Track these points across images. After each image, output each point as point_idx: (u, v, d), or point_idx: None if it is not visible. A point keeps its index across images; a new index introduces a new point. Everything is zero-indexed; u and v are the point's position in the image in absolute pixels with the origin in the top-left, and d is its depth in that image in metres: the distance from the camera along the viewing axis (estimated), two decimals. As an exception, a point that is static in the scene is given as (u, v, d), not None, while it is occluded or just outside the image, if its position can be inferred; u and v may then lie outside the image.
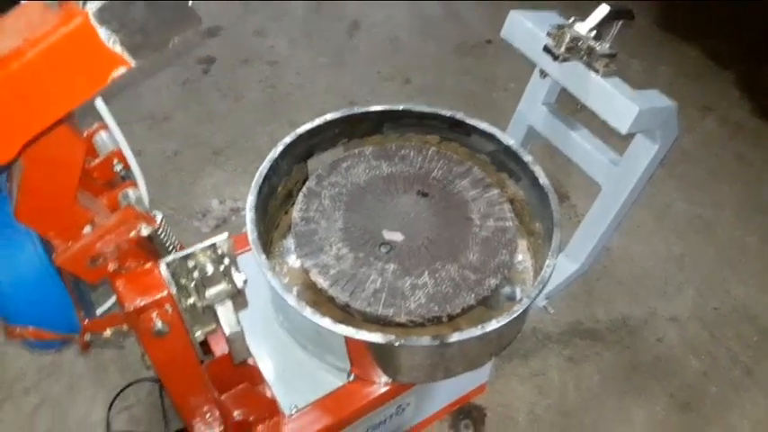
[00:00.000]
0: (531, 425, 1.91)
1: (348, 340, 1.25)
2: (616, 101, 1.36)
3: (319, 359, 1.41)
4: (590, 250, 1.73)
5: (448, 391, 1.79)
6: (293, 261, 1.55)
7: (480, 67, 3.25)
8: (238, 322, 1.00)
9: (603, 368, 2.05)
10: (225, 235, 0.98)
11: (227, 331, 0.99)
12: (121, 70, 0.71)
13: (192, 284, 0.98)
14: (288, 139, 1.56)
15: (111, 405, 1.78)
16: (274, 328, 1.50)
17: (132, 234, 0.89)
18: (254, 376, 1.34)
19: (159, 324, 0.91)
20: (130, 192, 0.97)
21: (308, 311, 1.24)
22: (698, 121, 3.02)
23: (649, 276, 2.35)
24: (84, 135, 1.02)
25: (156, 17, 0.70)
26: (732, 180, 2.75)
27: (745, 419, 1.97)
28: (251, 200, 1.42)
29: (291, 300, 1.25)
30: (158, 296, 0.91)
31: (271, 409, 1.33)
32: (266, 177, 1.48)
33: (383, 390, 1.40)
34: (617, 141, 1.57)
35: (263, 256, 1.32)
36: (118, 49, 0.69)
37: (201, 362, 1.11)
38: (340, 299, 1.35)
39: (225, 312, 0.99)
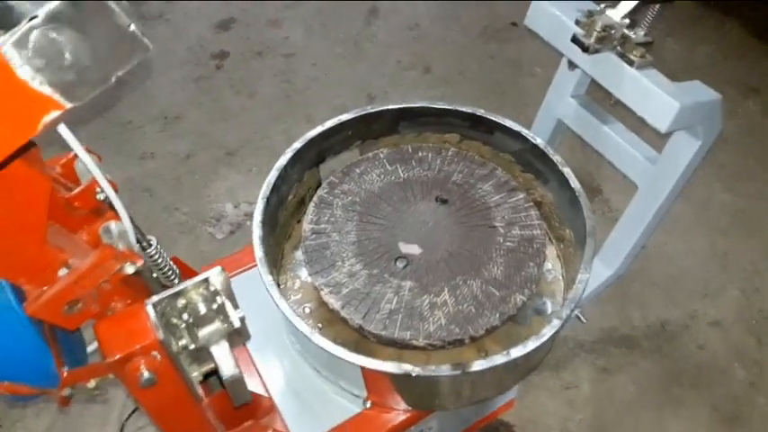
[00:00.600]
0: (563, 442, 1.82)
1: (363, 368, 1.16)
2: (654, 96, 1.24)
3: (333, 385, 1.32)
4: (626, 254, 1.63)
5: (473, 410, 1.69)
6: (306, 275, 1.46)
7: (505, 52, 3.09)
8: (236, 364, 0.91)
9: (640, 379, 1.93)
10: (218, 269, 0.90)
11: (224, 374, 0.90)
12: (54, 114, 0.59)
13: (184, 325, 0.89)
14: (297, 145, 1.46)
15: (122, 427, 1.72)
16: (286, 349, 1.41)
17: (109, 276, 0.80)
18: (265, 406, 1.25)
19: (147, 374, 0.83)
20: (112, 225, 0.87)
21: (317, 338, 1.14)
22: (740, 104, 2.83)
23: (689, 277, 2.20)
24: (63, 161, 0.93)
25: (92, 48, 0.57)
26: (779, 168, 2.57)
27: (797, 434, 1.84)
28: (257, 215, 1.33)
29: (301, 325, 1.16)
30: (144, 343, 0.82)
31: (282, 441, 1.25)
32: (275, 187, 1.39)
33: (403, 417, 1.30)
34: (654, 135, 1.43)
35: (270, 277, 1.23)
36: (46, 90, 0.57)
37: (202, 400, 1.03)
38: (353, 321, 1.26)
39: (221, 354, 0.90)
